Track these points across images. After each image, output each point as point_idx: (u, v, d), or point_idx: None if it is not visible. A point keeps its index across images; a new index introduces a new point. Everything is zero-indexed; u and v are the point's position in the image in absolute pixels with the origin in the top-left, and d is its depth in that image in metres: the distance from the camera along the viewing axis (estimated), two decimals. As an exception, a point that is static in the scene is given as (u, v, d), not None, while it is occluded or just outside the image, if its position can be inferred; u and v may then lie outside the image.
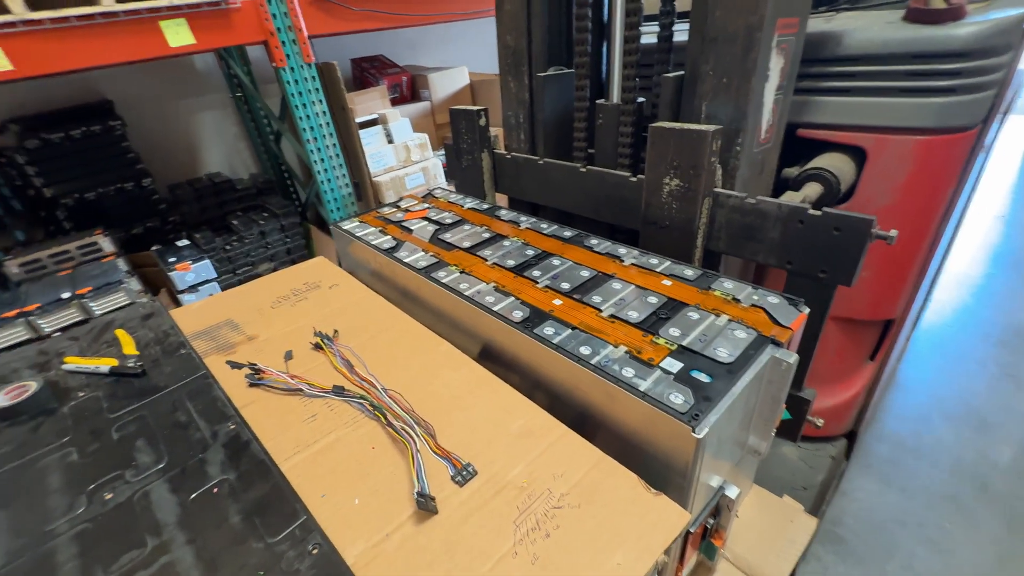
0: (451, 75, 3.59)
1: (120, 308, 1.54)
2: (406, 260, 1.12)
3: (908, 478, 1.92)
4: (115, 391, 0.93)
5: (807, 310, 0.85)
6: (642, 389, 0.70)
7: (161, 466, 0.77)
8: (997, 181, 4.45)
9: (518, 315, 0.89)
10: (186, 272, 2.51)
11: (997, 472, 1.96)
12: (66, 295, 2.16)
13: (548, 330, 0.84)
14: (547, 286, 0.97)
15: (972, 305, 2.92)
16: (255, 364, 0.93)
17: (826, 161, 1.32)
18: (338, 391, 0.88)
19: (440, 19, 2.98)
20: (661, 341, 0.79)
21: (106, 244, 2.54)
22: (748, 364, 0.73)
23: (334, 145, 2.73)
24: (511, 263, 1.06)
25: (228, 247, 2.85)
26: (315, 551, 0.63)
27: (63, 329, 2.05)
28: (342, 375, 0.93)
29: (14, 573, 0.63)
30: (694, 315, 0.85)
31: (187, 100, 3.28)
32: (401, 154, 3.13)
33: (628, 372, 0.73)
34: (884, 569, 1.67)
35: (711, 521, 0.86)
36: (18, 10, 1.85)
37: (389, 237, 1.24)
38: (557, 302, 0.92)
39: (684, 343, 0.78)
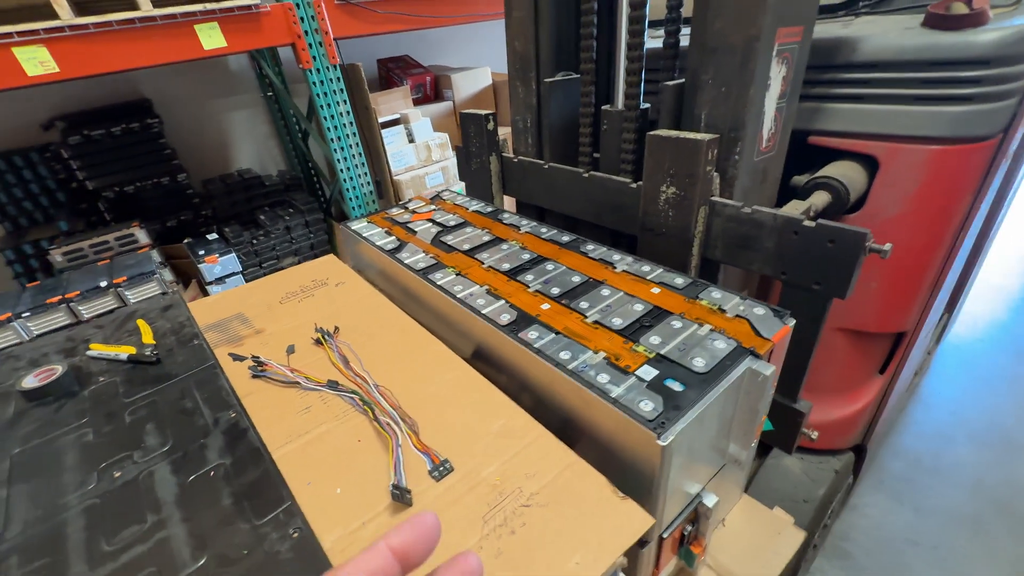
0: (474, 75, 3.63)
1: (150, 298, 1.64)
2: (406, 261, 1.16)
3: (924, 497, 1.86)
4: (131, 377, 1.00)
5: (792, 322, 0.85)
6: (613, 395, 0.72)
7: (166, 449, 0.83)
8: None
9: (505, 318, 0.92)
10: (214, 265, 2.63)
11: (1023, 496, 1.88)
12: (103, 283, 2.30)
13: (532, 334, 0.87)
14: (537, 290, 0.99)
15: (1006, 320, 2.79)
16: (258, 357, 0.98)
17: (836, 170, 1.30)
18: (332, 385, 0.92)
19: (462, 20, 3.02)
20: (640, 349, 0.81)
21: (142, 236, 2.68)
22: (723, 375, 0.74)
23: (356, 144, 2.81)
24: (506, 267, 1.09)
25: (255, 241, 2.97)
26: (295, 535, 0.67)
27: (99, 316, 2.19)
28: (338, 370, 0.97)
29: (29, 540, 0.69)
30: (677, 324, 0.86)
31: (221, 99, 3.42)
32: (422, 153, 3.19)
33: (603, 378, 0.75)
34: (891, 588, 1.63)
35: (689, 528, 0.86)
36: (65, 16, 1.98)
37: (393, 238, 1.28)
38: (545, 306, 0.94)
39: (663, 351, 0.80)
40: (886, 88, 1.23)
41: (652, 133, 1.07)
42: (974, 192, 1.27)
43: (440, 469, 0.75)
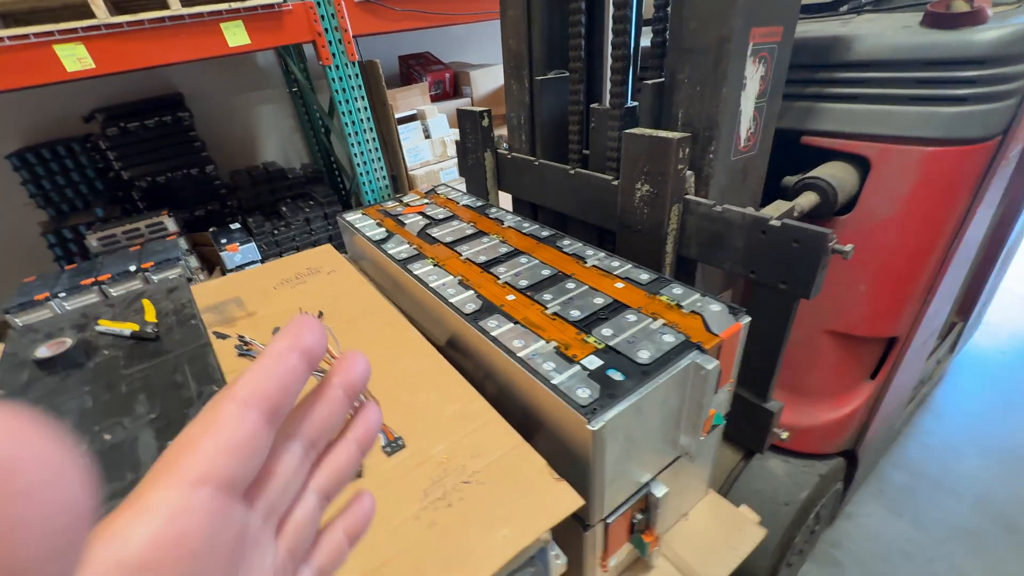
0: (492, 72, 3.67)
1: (159, 280, 1.74)
2: (390, 252, 1.21)
3: (924, 509, 1.80)
4: (132, 352, 1.09)
5: (747, 320, 0.86)
6: (554, 382, 0.75)
7: (152, 416, 0.91)
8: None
9: (470, 307, 0.96)
10: (234, 253, 2.76)
11: (1031, 514, 1.81)
12: (132, 268, 2.44)
13: (492, 323, 0.91)
14: (506, 282, 1.03)
15: (1034, 330, 2.66)
16: (243, 336, 1.05)
17: (826, 170, 1.29)
18: (308, 365, 0.98)
19: (481, 17, 3.06)
20: (591, 340, 0.84)
21: (170, 224, 2.83)
22: (666, 367, 0.76)
23: (373, 139, 2.89)
24: (482, 259, 1.13)
25: (276, 231, 3.09)
26: (253, 498, 0.73)
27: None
28: (316, 352, 1.03)
29: (25, 489, 0.78)
30: (632, 317, 0.88)
31: (248, 94, 3.57)
32: (437, 149, 3.25)
33: (549, 366, 0.78)
34: (880, 600, 1.60)
35: (639, 516, 0.89)
36: (101, 15, 2.11)
37: (383, 230, 1.34)
38: (511, 297, 0.98)
39: (612, 343, 0.82)
40: (880, 88, 1.21)
41: (627, 131, 1.09)
42: (970, 196, 1.24)
43: (393, 445, 0.80)
